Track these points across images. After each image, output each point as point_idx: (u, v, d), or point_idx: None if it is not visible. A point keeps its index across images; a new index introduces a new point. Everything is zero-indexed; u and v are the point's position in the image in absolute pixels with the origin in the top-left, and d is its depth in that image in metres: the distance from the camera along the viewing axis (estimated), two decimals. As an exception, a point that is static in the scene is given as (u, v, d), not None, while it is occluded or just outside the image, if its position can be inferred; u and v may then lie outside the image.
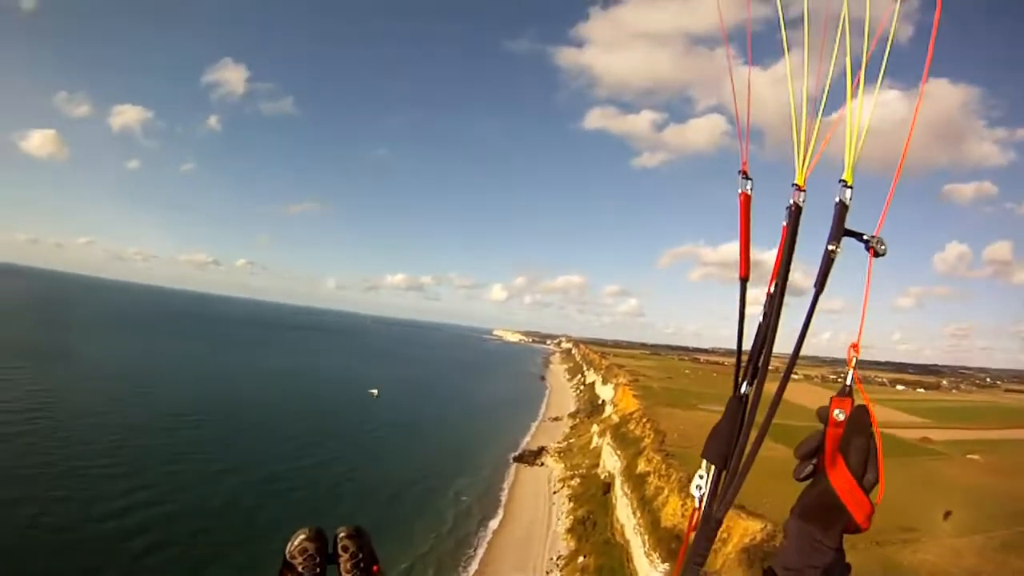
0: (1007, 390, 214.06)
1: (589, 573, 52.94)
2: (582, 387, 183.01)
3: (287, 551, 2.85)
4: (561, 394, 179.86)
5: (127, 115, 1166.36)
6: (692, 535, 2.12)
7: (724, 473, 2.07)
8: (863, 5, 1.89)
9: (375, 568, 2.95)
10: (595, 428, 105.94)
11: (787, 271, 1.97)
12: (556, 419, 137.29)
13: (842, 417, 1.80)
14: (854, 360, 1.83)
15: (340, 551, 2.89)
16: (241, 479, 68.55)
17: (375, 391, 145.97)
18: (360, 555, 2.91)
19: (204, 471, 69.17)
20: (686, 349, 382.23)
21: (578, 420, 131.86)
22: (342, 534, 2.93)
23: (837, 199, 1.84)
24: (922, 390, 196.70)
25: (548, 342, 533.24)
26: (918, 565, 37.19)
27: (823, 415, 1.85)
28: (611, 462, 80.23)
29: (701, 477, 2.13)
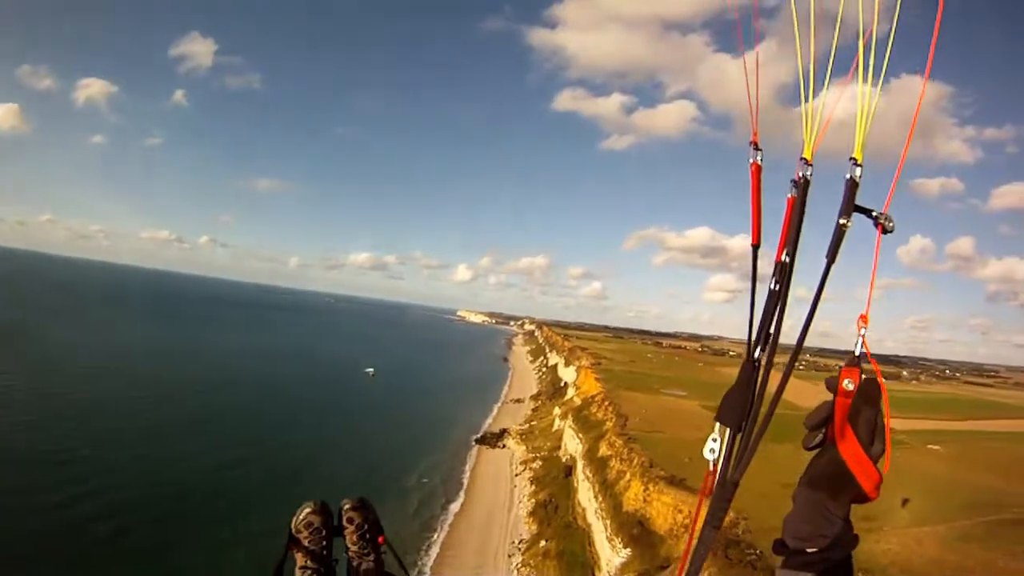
0: (966, 382, 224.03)
1: (551, 557, 52.99)
2: (544, 369, 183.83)
3: (292, 525, 2.83)
4: (523, 376, 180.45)
5: (92, 89, 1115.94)
6: (707, 498, 2.09)
7: (739, 436, 2.04)
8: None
9: (380, 539, 2.95)
10: (557, 410, 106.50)
11: (796, 241, 2.00)
12: (518, 401, 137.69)
13: (851, 387, 1.81)
14: (863, 330, 1.84)
15: (345, 523, 2.92)
16: (201, 462, 66.71)
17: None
18: (366, 526, 2.93)
19: (167, 453, 67.30)
20: (648, 333, 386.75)
21: (540, 402, 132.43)
22: (347, 506, 2.96)
23: (848, 176, 1.89)
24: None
25: (512, 323, 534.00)
26: (880, 554, 37.98)
27: (832, 385, 1.85)
28: (573, 445, 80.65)
29: (715, 440, 2.09)
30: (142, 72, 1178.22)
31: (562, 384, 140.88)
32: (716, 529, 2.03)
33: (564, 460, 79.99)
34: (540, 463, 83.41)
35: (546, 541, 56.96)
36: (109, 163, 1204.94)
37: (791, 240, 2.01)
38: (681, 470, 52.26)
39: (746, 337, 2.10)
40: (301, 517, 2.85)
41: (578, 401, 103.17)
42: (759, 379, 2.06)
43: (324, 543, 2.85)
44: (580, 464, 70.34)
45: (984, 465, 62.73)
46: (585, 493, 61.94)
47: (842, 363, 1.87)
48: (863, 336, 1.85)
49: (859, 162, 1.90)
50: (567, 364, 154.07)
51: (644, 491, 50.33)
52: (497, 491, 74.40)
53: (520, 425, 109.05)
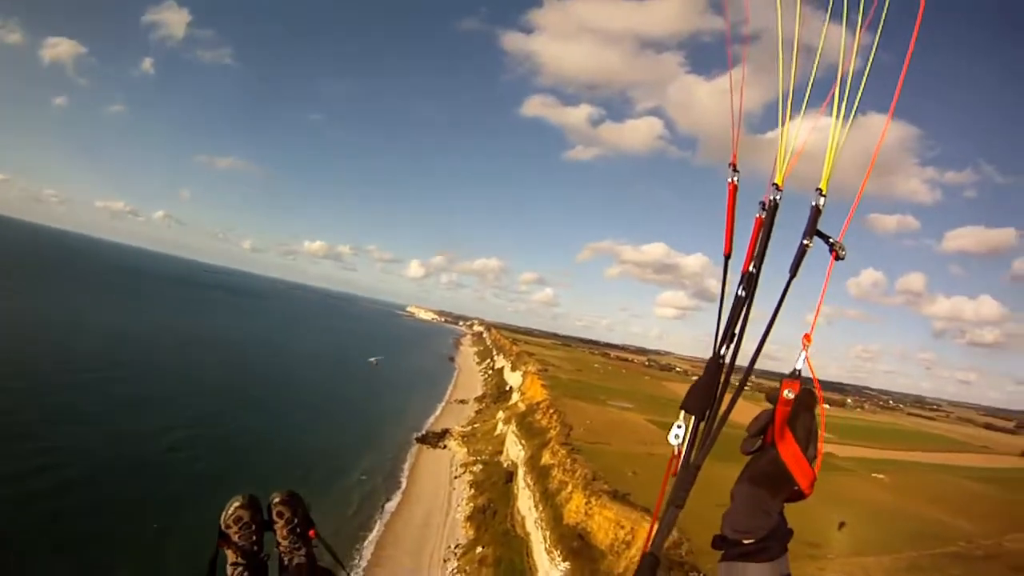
0: (909, 413, 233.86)
1: (487, 565, 52.27)
2: (491, 372, 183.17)
3: (222, 520, 2.79)
4: (469, 376, 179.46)
5: (60, 48, 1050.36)
6: (671, 479, 2.25)
7: (702, 424, 2.22)
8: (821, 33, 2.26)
9: (311, 533, 2.92)
10: (501, 414, 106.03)
11: (763, 254, 2.22)
12: (462, 402, 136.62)
13: (791, 396, 1.97)
14: (807, 348, 2.01)
15: (275, 517, 2.88)
16: (140, 446, 63.99)
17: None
18: (296, 520, 2.89)
19: (100, 435, 64.05)
20: (597, 343, 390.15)
21: (484, 404, 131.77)
22: (276, 500, 2.91)
23: (813, 203, 2.11)
24: (827, 406, 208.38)
25: (461, 323, 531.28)
26: None
27: (773, 396, 2.01)
28: (515, 451, 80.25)
29: (680, 427, 2.25)
30: (112, 36, 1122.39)
31: (507, 388, 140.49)
32: (679, 509, 2.11)
33: (505, 466, 79.49)
34: (481, 467, 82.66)
35: (483, 547, 56.24)
36: (70, 126, 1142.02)
37: (758, 255, 2.22)
38: (625, 485, 52.23)
39: (716, 335, 2.28)
40: (230, 512, 2.82)
41: (523, 407, 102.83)
42: (723, 373, 2.24)
43: (254, 538, 2.83)
44: (521, 471, 69.93)
45: (927, 496, 65.37)
46: (525, 501, 61.53)
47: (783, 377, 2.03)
48: (807, 353, 2.00)
49: (824, 192, 2.10)
50: (514, 368, 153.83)
51: (586, 504, 50.12)
52: (436, 492, 73.28)
53: (463, 427, 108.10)
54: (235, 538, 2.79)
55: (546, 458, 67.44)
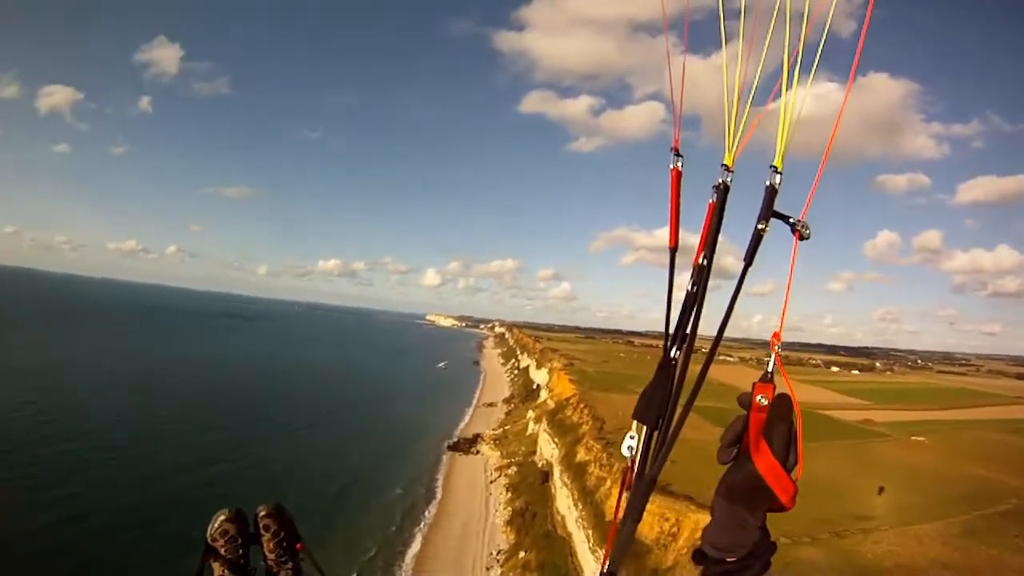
0: (939, 371, 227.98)
1: (531, 570, 50.75)
2: (516, 372, 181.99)
3: (208, 534, 2.76)
4: (495, 379, 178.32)
5: (56, 96, 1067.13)
6: (627, 493, 2.18)
7: (656, 433, 2.12)
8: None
9: (299, 545, 2.87)
10: (531, 414, 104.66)
11: (714, 245, 2.07)
12: (491, 405, 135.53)
13: (765, 402, 1.86)
14: (776, 347, 1.90)
15: (262, 530, 2.85)
16: (157, 482, 63.35)
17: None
18: (282, 533, 2.85)
19: (121, 474, 63.87)
20: (620, 332, 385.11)
21: (513, 405, 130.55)
22: (262, 512, 2.87)
23: (768, 182, 1.95)
24: (857, 372, 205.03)
25: (481, 326, 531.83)
26: (882, 556, 36.83)
27: (745, 401, 1.90)
28: (548, 450, 78.81)
29: (632, 438, 2.16)
30: (107, 79, 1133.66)
31: (535, 387, 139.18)
32: (636, 523, 2.06)
33: (540, 465, 78.11)
34: (515, 469, 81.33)
35: (525, 552, 54.80)
36: (73, 172, 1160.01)
37: (709, 244, 2.05)
38: (664, 475, 50.33)
39: (666, 336, 2.12)
40: (216, 526, 2.74)
41: (552, 404, 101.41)
42: (675, 378, 2.08)
43: (241, 552, 2.76)
44: (557, 470, 68.47)
45: (970, 455, 62.77)
46: (564, 500, 60.00)
47: (755, 380, 1.88)
48: (776, 353, 1.86)
49: (779, 170, 1.94)
50: (539, 366, 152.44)
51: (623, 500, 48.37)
52: (472, 499, 72.06)
53: (493, 430, 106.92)
54: (222, 551, 2.72)
55: (581, 455, 65.91)
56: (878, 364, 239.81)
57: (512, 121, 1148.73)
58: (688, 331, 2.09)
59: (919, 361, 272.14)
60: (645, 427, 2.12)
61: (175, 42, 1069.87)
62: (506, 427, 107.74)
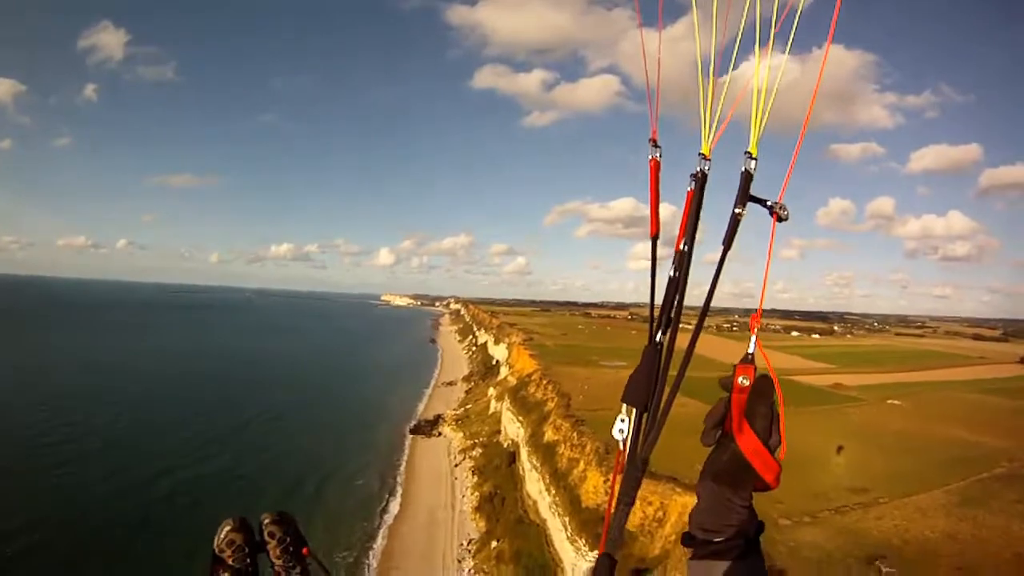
0: (897, 334, 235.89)
1: (505, 561, 48.09)
2: (474, 348, 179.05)
3: (215, 545, 2.71)
4: (453, 357, 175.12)
5: None
6: (620, 477, 2.18)
7: (645, 415, 2.13)
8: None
9: (305, 550, 2.85)
10: (492, 391, 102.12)
11: (694, 231, 2.12)
12: (450, 384, 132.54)
13: (746, 383, 1.89)
14: (756, 329, 1.97)
15: (267, 537, 2.81)
16: (126, 480, 61.66)
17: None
18: (288, 539, 2.82)
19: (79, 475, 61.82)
20: (576, 304, 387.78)
21: (473, 383, 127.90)
22: (267, 520, 2.84)
23: (743, 168, 1.99)
24: (817, 336, 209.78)
25: (437, 304, 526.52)
26: (889, 533, 35.55)
27: (727, 383, 1.94)
28: (513, 429, 76.40)
29: (623, 421, 2.16)
30: (50, 68, 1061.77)
31: (494, 363, 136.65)
32: (629, 506, 2.06)
33: (506, 446, 75.67)
34: (480, 451, 78.67)
35: (498, 541, 52.25)
36: (17, 168, 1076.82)
37: (689, 231, 2.10)
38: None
39: (648, 322, 2.15)
40: (222, 536, 2.69)
41: (513, 380, 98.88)
42: (662, 361, 2.12)
43: (248, 560, 2.73)
44: (524, 451, 66.05)
45: (948, 417, 63.30)
46: (534, 484, 57.56)
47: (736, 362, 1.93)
48: (756, 335, 1.92)
49: (754, 156, 1.99)
50: (497, 342, 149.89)
51: (605, 483, 45.77)
52: (437, 486, 69.13)
53: (454, 410, 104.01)
54: (230, 561, 2.66)
55: (549, 434, 63.52)
56: (836, 328, 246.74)
57: (464, 97, 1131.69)
58: (672, 315, 2.09)
59: (876, 324, 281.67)
60: (635, 410, 2.11)
61: (120, 27, 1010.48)
62: (467, 406, 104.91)
